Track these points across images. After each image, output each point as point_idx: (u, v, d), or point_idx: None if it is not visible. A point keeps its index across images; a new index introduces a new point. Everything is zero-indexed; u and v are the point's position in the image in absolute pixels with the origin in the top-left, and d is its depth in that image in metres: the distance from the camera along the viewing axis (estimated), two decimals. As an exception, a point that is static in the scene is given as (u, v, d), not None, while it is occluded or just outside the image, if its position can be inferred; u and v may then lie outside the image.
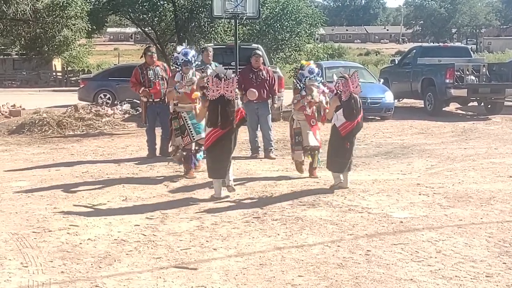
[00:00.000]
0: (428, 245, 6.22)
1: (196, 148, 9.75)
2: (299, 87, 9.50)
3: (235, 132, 8.16)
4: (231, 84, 7.92)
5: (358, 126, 8.52)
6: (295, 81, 9.91)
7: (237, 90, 8.13)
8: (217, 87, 7.89)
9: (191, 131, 9.59)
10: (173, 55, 10.50)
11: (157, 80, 10.99)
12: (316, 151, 9.56)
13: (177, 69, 9.72)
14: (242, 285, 5.22)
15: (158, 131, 11.39)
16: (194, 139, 9.59)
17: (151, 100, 11.04)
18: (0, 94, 26.72)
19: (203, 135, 9.64)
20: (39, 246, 6.21)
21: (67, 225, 6.94)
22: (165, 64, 11.79)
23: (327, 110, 9.20)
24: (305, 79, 9.39)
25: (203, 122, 9.83)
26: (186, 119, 9.61)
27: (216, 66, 11.47)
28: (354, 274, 5.42)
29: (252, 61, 11.22)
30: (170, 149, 10.31)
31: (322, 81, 9.82)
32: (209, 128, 8.14)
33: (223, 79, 7.89)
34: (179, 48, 9.91)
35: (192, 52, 9.70)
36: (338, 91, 8.40)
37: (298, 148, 9.54)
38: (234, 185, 8.28)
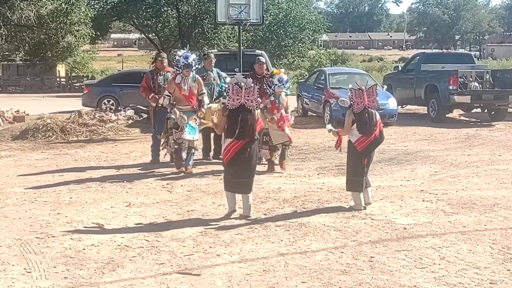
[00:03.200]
0: (432, 251, 6.22)
1: (191, 152, 10.39)
2: (269, 93, 10.36)
3: (255, 144, 7.73)
4: (251, 93, 7.55)
5: (375, 141, 7.97)
6: (265, 87, 10.51)
7: (259, 99, 7.95)
8: (237, 95, 7.49)
9: (184, 129, 10.16)
10: (174, 59, 10.73)
11: (166, 85, 11.05)
12: (286, 146, 10.60)
13: (178, 72, 10.19)
14: (245, 291, 5.23)
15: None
16: (185, 136, 10.15)
17: (160, 105, 11.10)
18: (4, 100, 26.79)
19: (195, 137, 10.31)
20: (42, 252, 6.22)
21: (71, 231, 6.94)
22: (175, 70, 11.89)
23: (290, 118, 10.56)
24: (274, 86, 10.24)
25: (197, 126, 10.11)
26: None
27: (218, 72, 11.56)
28: (357, 280, 5.41)
29: (256, 68, 11.28)
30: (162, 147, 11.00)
31: (290, 86, 10.93)
32: (228, 139, 7.58)
33: (243, 87, 7.50)
34: (180, 52, 10.31)
35: (192, 56, 10.16)
36: (351, 102, 7.93)
37: (265, 147, 10.53)
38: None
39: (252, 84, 7.62)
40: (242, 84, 7.54)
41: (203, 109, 10.11)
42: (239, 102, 7.50)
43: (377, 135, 7.94)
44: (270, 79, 10.48)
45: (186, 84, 10.10)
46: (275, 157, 10.56)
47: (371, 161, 8.22)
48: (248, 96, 7.52)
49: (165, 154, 10.91)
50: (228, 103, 7.59)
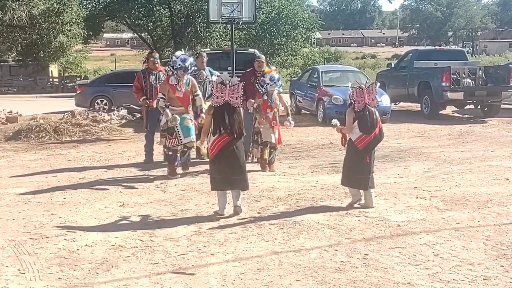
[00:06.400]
0: (426, 248, 6.23)
1: (185, 149, 10.18)
2: (261, 92, 10.33)
3: (240, 142, 7.78)
4: (236, 90, 7.65)
5: (376, 139, 7.95)
6: (257, 86, 10.49)
7: (252, 100, 7.99)
8: (221, 93, 7.62)
9: (179, 134, 9.86)
10: (171, 59, 10.54)
11: (158, 85, 11.03)
12: (273, 149, 10.59)
13: (173, 73, 9.92)
14: (239, 290, 5.22)
15: (157, 136, 11.42)
16: (181, 142, 9.92)
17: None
18: (-4, 101, 26.69)
19: (192, 138, 10.00)
20: (36, 253, 6.21)
21: (64, 231, 6.93)
22: (167, 70, 11.82)
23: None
24: (266, 85, 10.24)
25: (193, 126, 10.00)
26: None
27: (210, 71, 11.54)
28: (351, 278, 5.42)
29: (255, 65, 11.22)
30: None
31: (282, 84, 10.91)
32: (213, 136, 7.67)
33: (228, 85, 7.61)
34: (178, 53, 10.07)
35: (190, 60, 9.91)
36: (351, 101, 7.94)
37: (256, 146, 10.62)
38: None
39: (237, 82, 7.73)
40: (226, 81, 7.63)
41: (202, 115, 9.87)
42: (223, 100, 7.61)
43: (377, 133, 7.93)
44: (262, 78, 10.46)
45: (181, 86, 9.85)
46: (266, 155, 10.53)
47: (373, 159, 8.19)
48: (233, 94, 7.63)
49: (164, 152, 10.67)
50: (213, 100, 7.71)
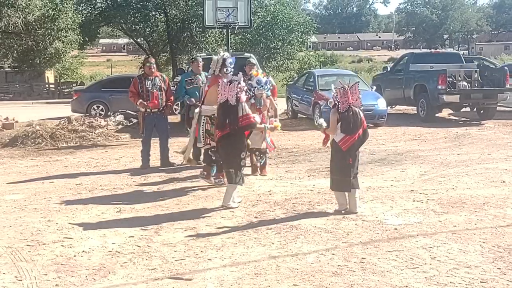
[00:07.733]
0: (423, 251, 6.24)
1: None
2: (249, 96, 10.17)
3: (234, 137, 8.10)
4: (233, 89, 8.07)
5: (360, 139, 7.88)
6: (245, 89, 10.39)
7: (243, 97, 8.22)
8: (223, 91, 8.15)
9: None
10: (225, 59, 9.48)
11: (155, 90, 11.05)
12: (263, 154, 10.53)
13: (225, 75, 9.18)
14: (237, 295, 5.22)
15: (153, 142, 11.46)
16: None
17: (148, 110, 11.12)
18: (-7, 107, 26.68)
19: None
20: (33, 259, 6.20)
21: (61, 238, 6.93)
22: (163, 75, 11.85)
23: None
24: (253, 89, 10.26)
25: None
26: None
27: (206, 76, 11.54)
28: (349, 282, 5.42)
29: (246, 69, 11.27)
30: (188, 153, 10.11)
31: (271, 87, 10.79)
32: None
33: (228, 83, 8.11)
34: (229, 58, 9.47)
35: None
36: (335, 102, 7.89)
37: None
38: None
39: (236, 80, 8.17)
40: (234, 80, 8.18)
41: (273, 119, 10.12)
42: (225, 97, 8.14)
43: (361, 134, 7.88)
44: (249, 81, 10.39)
45: None
46: (256, 159, 10.56)
47: (358, 161, 8.17)
48: (230, 91, 8.09)
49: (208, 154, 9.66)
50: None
